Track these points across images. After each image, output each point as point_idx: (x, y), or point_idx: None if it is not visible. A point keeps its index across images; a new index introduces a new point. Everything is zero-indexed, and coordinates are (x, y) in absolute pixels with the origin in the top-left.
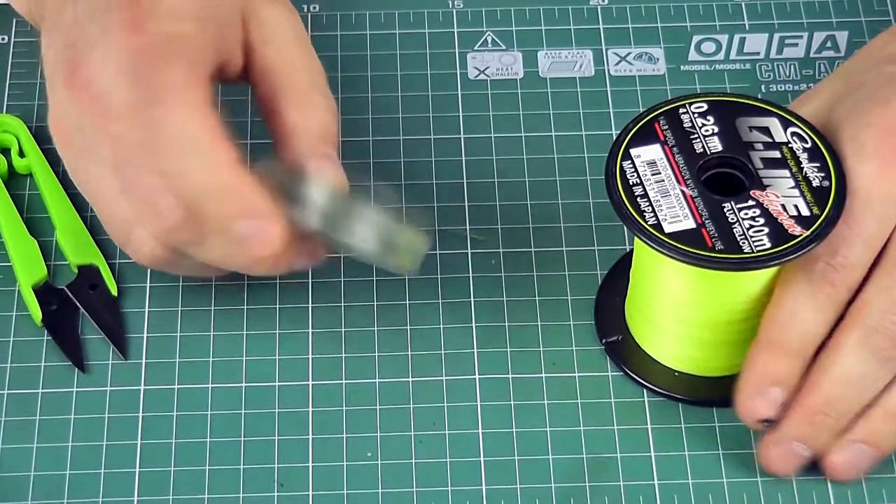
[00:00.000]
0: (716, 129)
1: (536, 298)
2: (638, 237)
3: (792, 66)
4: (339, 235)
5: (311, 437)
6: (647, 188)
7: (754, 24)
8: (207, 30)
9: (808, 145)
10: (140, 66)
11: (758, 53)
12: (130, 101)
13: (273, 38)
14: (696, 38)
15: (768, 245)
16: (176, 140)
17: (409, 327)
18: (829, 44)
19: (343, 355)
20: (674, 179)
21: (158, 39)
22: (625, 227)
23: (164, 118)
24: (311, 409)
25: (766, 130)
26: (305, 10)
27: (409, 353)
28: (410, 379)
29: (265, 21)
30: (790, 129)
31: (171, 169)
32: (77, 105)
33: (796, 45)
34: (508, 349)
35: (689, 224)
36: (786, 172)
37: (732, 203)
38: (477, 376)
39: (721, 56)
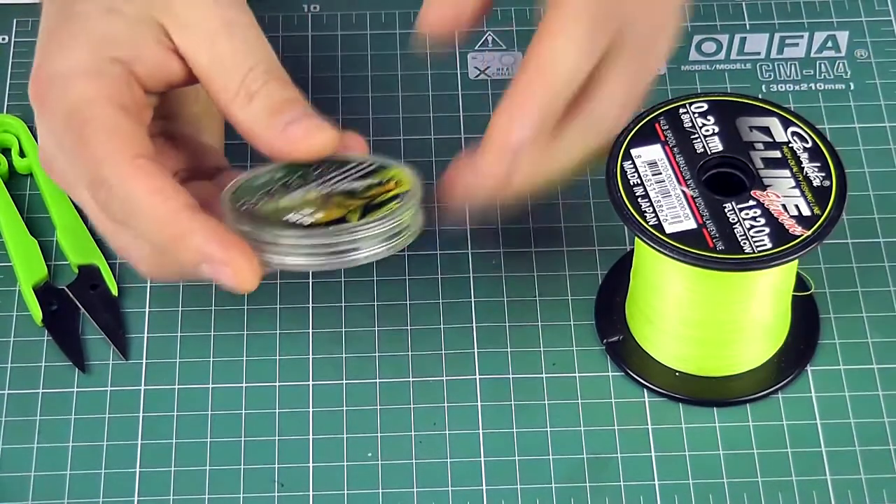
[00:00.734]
0: (716, 129)
1: (537, 298)
2: (639, 237)
3: (792, 66)
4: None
5: (311, 437)
6: (648, 188)
7: (755, 23)
8: (107, 76)
9: (809, 145)
10: (67, 144)
11: (758, 53)
12: (78, 177)
13: (196, 43)
14: (696, 38)
15: (769, 245)
16: (123, 207)
17: (409, 327)
18: (829, 44)
19: (343, 355)
20: (674, 179)
21: (66, 112)
22: (625, 227)
23: (108, 193)
24: (311, 409)
25: (766, 130)
26: (306, 9)
27: (410, 353)
28: (411, 379)
29: (184, 25)
30: (790, 129)
31: (130, 229)
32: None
33: (797, 45)
34: (509, 349)
35: (690, 224)
36: (786, 172)
37: (733, 203)
38: (477, 376)
39: (722, 56)
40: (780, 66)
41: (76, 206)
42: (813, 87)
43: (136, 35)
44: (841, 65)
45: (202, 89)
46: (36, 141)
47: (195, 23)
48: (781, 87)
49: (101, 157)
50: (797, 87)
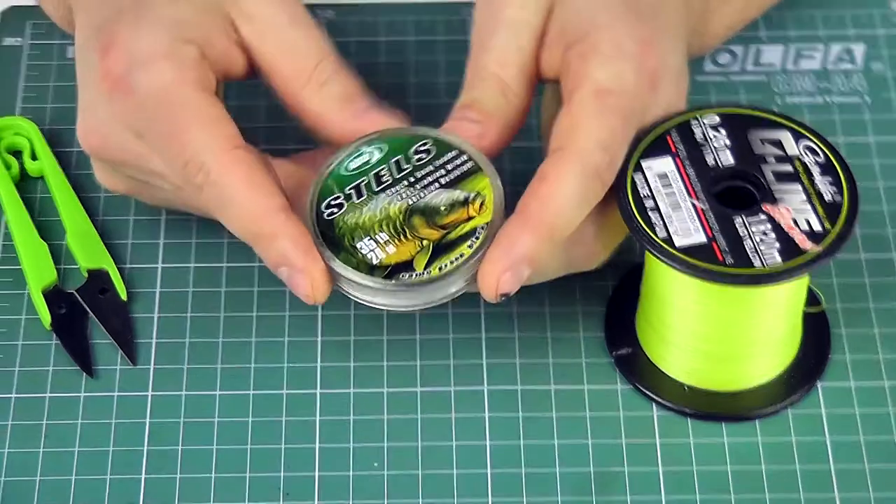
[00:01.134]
0: (728, 142)
1: (546, 310)
2: (648, 251)
3: (808, 78)
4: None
5: (317, 446)
6: (658, 201)
7: (770, 35)
8: (187, 58)
9: (821, 159)
10: (151, 126)
11: (773, 65)
12: (155, 155)
13: (265, 33)
14: None
15: (779, 260)
16: (218, 195)
17: (418, 337)
18: (845, 56)
19: (351, 364)
20: (685, 192)
21: (152, 95)
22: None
23: (205, 179)
24: (318, 417)
25: (778, 144)
26: (319, 16)
27: (418, 363)
28: (419, 389)
29: (252, 17)
30: (802, 143)
31: (218, 216)
32: (105, 165)
33: (812, 57)
34: (517, 360)
35: (700, 238)
36: (798, 186)
37: (744, 217)
38: (485, 387)
39: (737, 67)
40: (796, 78)
41: (87, 210)
42: (828, 100)
43: (205, 21)
44: (857, 77)
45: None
46: (48, 145)
47: (263, 15)
48: (796, 100)
49: (201, 143)
50: (812, 100)
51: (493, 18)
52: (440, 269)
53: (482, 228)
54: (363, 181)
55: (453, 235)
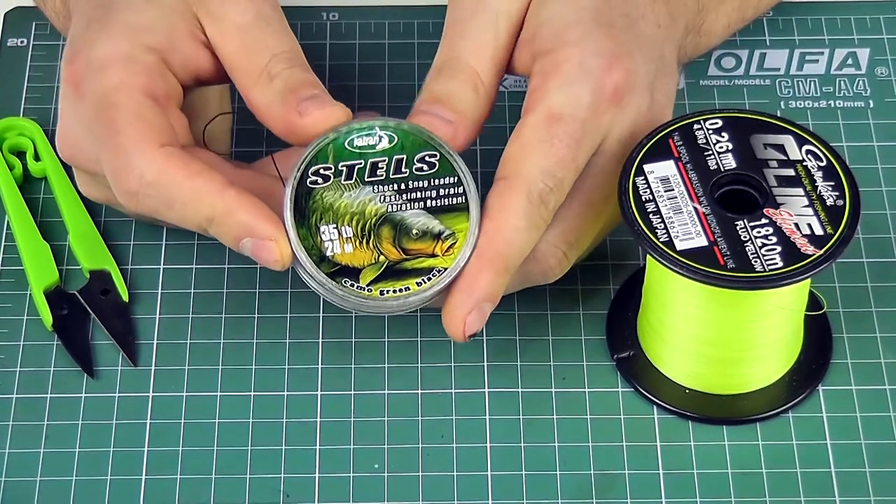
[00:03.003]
0: (730, 146)
1: (548, 313)
2: (650, 254)
3: (812, 83)
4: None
5: (318, 447)
6: (660, 205)
7: (775, 39)
8: (141, 63)
9: (823, 163)
10: (97, 131)
11: (778, 69)
12: (110, 169)
13: (227, 32)
14: (716, 53)
15: (780, 264)
16: (161, 195)
17: (419, 339)
18: (850, 61)
19: (353, 366)
20: (686, 196)
21: (99, 99)
22: None
23: (139, 183)
24: (318, 419)
25: (780, 148)
26: (325, 18)
27: (419, 364)
28: (420, 391)
29: (217, 17)
30: (805, 147)
31: (166, 217)
32: (83, 174)
33: (817, 61)
34: (519, 363)
35: (702, 242)
36: (800, 191)
37: (745, 221)
38: (486, 390)
39: (741, 71)
40: (800, 83)
41: (90, 212)
42: (832, 105)
43: (172, 25)
44: (861, 82)
45: (214, 103)
46: (51, 144)
47: (229, 15)
48: (800, 104)
49: (129, 144)
50: (816, 104)
51: (472, 1)
52: (381, 292)
53: (437, 272)
54: (358, 164)
55: (409, 265)
